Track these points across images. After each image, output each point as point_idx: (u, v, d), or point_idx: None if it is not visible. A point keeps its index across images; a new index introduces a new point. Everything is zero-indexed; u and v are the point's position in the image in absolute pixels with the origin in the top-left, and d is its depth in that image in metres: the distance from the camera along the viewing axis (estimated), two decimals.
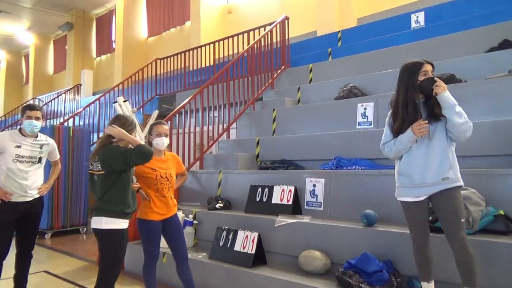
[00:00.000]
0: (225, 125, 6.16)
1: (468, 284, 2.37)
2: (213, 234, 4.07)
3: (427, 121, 2.42)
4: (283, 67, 7.15)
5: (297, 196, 4.04)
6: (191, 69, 9.14)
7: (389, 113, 2.73)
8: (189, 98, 5.79)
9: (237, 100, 6.45)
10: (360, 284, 2.83)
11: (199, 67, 8.88)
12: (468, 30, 5.39)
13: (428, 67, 2.49)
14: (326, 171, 4.12)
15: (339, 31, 7.66)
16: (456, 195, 2.42)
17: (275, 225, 3.75)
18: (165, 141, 3.20)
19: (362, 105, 4.88)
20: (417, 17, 6.54)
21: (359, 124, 4.88)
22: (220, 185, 4.93)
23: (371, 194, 3.63)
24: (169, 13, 13.55)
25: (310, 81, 6.66)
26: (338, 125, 5.00)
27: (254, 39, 6.91)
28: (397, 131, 2.58)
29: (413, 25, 6.57)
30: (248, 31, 7.26)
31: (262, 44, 6.77)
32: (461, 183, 2.45)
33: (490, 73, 4.34)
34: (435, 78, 2.44)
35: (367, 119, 4.82)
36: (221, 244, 3.90)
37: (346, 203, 3.78)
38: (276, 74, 6.99)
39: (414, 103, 2.52)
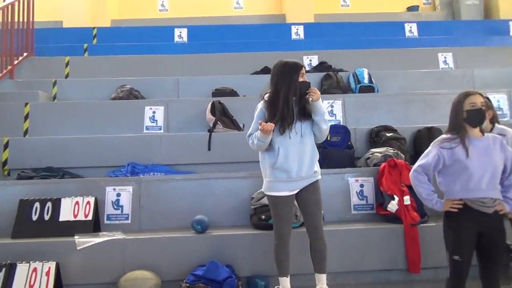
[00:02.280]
0: None
1: (321, 270, 2.61)
2: None
3: (272, 124, 2.50)
4: (25, 54, 5.68)
5: (97, 209, 3.26)
6: None
7: (259, 105, 2.70)
8: None
9: None
10: None
11: None
12: (230, 53, 6.07)
13: (304, 70, 2.64)
14: (136, 177, 3.54)
15: (94, 28, 6.88)
16: (319, 187, 2.65)
17: (78, 248, 2.86)
18: None
19: (151, 109, 4.55)
20: (180, 32, 6.80)
21: (146, 128, 4.51)
22: None
23: (192, 200, 3.40)
24: None
25: (67, 76, 5.61)
26: (120, 128, 4.42)
27: None
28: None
29: (176, 39, 6.78)
30: None
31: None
32: (320, 176, 2.70)
33: (259, 92, 5.01)
34: (309, 85, 2.58)
35: (156, 124, 4.52)
36: None
37: (162, 212, 3.37)
38: (17, 61, 5.46)
39: (289, 101, 2.60)
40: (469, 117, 2.32)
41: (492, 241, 2.27)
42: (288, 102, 2.55)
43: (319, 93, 2.58)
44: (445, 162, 2.35)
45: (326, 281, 2.62)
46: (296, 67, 2.59)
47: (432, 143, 2.45)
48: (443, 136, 2.43)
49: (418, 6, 8.50)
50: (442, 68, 5.83)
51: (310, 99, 2.57)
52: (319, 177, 2.66)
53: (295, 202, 2.70)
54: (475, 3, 7.96)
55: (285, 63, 2.62)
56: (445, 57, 5.93)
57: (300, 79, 2.58)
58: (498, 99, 4.67)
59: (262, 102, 2.68)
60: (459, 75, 5.40)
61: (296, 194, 2.63)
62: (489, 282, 2.29)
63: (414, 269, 2.95)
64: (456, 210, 2.31)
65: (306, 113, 2.62)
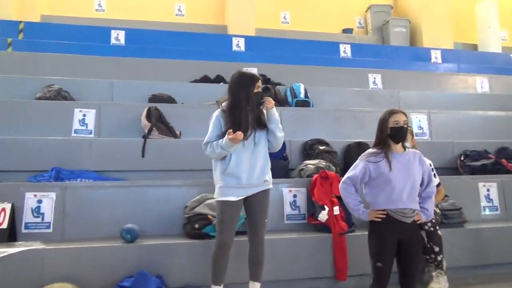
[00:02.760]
0: None
1: (257, 278, 2.64)
2: None
3: (239, 132, 2.52)
4: None
5: (14, 217, 2.98)
6: None
7: (215, 113, 2.71)
8: None
9: None
10: None
11: None
12: (169, 59, 5.97)
13: (260, 83, 2.69)
14: (60, 183, 3.30)
15: (21, 22, 6.39)
16: (269, 196, 2.70)
17: None
18: None
19: (81, 111, 4.30)
20: (118, 34, 6.56)
21: (75, 132, 4.25)
22: None
23: (122, 208, 3.25)
24: None
25: None
26: (45, 130, 4.10)
27: None
28: (225, 133, 2.57)
29: (113, 41, 6.52)
30: None
31: None
32: (272, 186, 2.74)
33: (197, 99, 4.99)
34: (264, 95, 2.67)
35: (87, 127, 4.28)
36: None
37: (89, 221, 3.18)
38: None
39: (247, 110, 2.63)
40: (392, 134, 2.51)
41: (411, 248, 2.45)
42: (245, 112, 2.59)
43: (273, 102, 2.66)
44: (371, 175, 2.51)
45: None
46: (253, 79, 2.66)
47: (360, 156, 2.63)
48: (370, 150, 2.61)
49: (352, 29, 9.06)
50: (371, 88, 6.24)
51: (265, 107, 2.65)
52: (270, 186, 2.72)
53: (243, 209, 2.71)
54: (402, 30, 8.67)
55: (242, 74, 2.69)
56: (374, 78, 6.36)
57: (255, 90, 2.62)
58: (419, 119, 5.10)
59: (218, 110, 2.70)
60: (386, 95, 5.81)
61: (245, 200, 2.64)
62: (407, 287, 2.46)
63: (341, 276, 3.08)
64: (379, 219, 2.47)
65: (260, 123, 2.67)
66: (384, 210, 2.48)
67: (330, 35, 8.50)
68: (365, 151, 3.96)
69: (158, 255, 2.88)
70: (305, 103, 5.14)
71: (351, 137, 4.66)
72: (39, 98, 4.48)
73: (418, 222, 2.53)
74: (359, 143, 4.28)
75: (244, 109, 2.61)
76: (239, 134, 2.49)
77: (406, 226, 2.44)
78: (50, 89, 4.59)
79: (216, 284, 2.59)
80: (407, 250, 2.44)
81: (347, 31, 8.96)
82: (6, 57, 5.39)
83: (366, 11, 9.30)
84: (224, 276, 2.60)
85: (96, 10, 7.93)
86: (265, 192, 2.69)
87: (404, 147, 2.58)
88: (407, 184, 2.46)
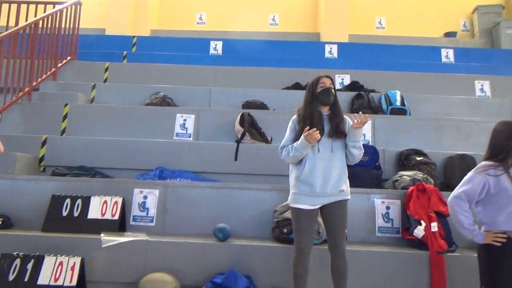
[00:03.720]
0: None
1: None
2: None
3: (315, 129, 2.52)
4: (69, 58, 5.97)
5: (124, 210, 3.34)
6: None
7: (293, 118, 2.77)
8: None
9: (2, 86, 4.83)
10: None
11: None
12: (263, 67, 6.15)
13: (325, 80, 2.67)
14: (163, 181, 3.62)
15: (134, 36, 7.16)
16: (346, 207, 2.64)
17: (103, 245, 2.93)
18: None
19: (182, 116, 4.66)
20: (216, 45, 6.97)
21: (176, 135, 4.61)
22: None
23: (215, 208, 3.43)
24: None
25: (105, 80, 5.84)
26: (151, 133, 4.55)
27: (35, 13, 5.48)
28: (298, 137, 2.62)
29: (212, 51, 6.95)
30: (28, 2, 5.67)
31: (48, 24, 5.43)
32: (350, 196, 2.68)
33: (288, 106, 5.04)
34: (360, 115, 2.56)
35: (187, 131, 4.62)
36: (10, 278, 2.70)
37: (186, 218, 3.42)
38: (60, 64, 5.74)
39: (317, 113, 2.64)
40: None
41: None
42: (312, 114, 2.58)
43: (364, 121, 2.53)
44: (490, 190, 2.24)
45: None
46: (317, 79, 2.66)
47: (474, 169, 2.34)
48: (486, 162, 2.32)
49: (456, 33, 8.36)
50: (478, 96, 5.69)
51: (351, 122, 2.62)
52: (348, 197, 2.65)
53: (320, 218, 2.68)
54: None
55: (309, 82, 2.70)
56: (482, 85, 5.80)
57: (319, 89, 2.62)
58: None
59: (295, 115, 2.73)
60: (496, 103, 5.25)
61: (322, 209, 2.61)
62: None
63: None
64: (499, 244, 2.21)
65: (339, 131, 2.62)
66: (504, 232, 2.22)
67: (430, 40, 7.95)
68: (469, 164, 3.68)
69: (247, 255, 2.98)
70: (401, 111, 4.89)
71: (453, 148, 4.31)
72: (147, 104, 4.97)
73: None
74: (462, 156, 3.94)
75: (310, 112, 2.61)
76: (315, 131, 2.46)
77: None
78: (157, 96, 5.07)
79: None
80: None
81: (450, 34, 8.29)
82: (122, 68, 6.05)
83: (472, 13, 8.51)
84: (305, 284, 2.58)
85: (198, 23, 8.52)
86: (342, 203, 2.61)
87: None
88: None
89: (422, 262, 2.97)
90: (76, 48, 6.19)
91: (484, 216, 2.31)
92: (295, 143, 2.60)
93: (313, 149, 2.59)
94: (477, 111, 5.15)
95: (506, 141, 2.27)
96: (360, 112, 2.59)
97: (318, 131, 2.51)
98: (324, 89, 2.64)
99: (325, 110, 2.70)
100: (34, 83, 5.11)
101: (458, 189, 2.33)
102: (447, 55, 6.99)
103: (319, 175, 2.57)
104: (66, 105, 4.71)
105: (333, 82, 2.72)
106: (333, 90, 2.66)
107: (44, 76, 5.34)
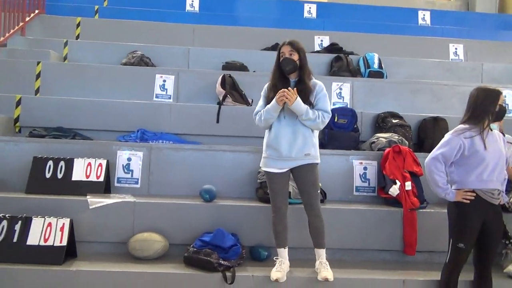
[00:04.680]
0: None
1: (320, 245, 2.74)
2: None
3: (285, 89, 2.56)
4: (37, 11, 5.63)
5: (108, 172, 3.35)
6: None
7: (265, 85, 2.81)
8: None
9: None
10: (220, 261, 2.70)
11: None
12: (241, 26, 6.04)
13: (284, 49, 2.67)
14: (146, 144, 3.62)
15: None
16: (315, 170, 2.72)
17: (90, 207, 2.97)
18: None
19: (161, 77, 4.58)
20: (192, 1, 6.72)
21: (156, 96, 4.56)
22: None
23: (200, 170, 3.49)
24: None
25: (77, 37, 5.59)
26: (130, 94, 4.46)
27: None
28: (269, 102, 2.68)
29: (188, 8, 6.71)
30: None
31: None
32: (319, 160, 2.76)
33: (268, 68, 5.01)
34: (285, 90, 2.55)
35: (166, 92, 4.57)
36: None
37: (170, 179, 3.47)
38: (28, 18, 5.41)
39: (284, 81, 2.68)
40: (500, 112, 2.45)
41: (493, 230, 2.41)
42: (278, 82, 2.65)
43: (290, 96, 2.54)
44: (464, 152, 2.41)
45: (326, 256, 2.76)
46: (278, 48, 2.70)
47: (452, 131, 2.50)
48: (462, 126, 2.48)
49: None
50: (452, 59, 5.86)
51: (322, 87, 2.71)
52: (315, 161, 2.71)
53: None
54: None
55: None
56: (456, 48, 5.95)
57: (281, 58, 2.66)
58: (505, 95, 4.73)
59: (268, 83, 2.78)
60: (468, 67, 5.45)
61: (292, 172, 2.72)
62: (483, 268, 2.44)
63: (410, 251, 3.09)
64: (467, 201, 2.40)
65: (304, 97, 2.63)
66: (473, 190, 2.41)
67: (407, 1, 7.98)
68: (442, 127, 3.87)
69: (233, 215, 3.10)
70: (378, 74, 4.99)
71: (427, 111, 4.49)
72: (125, 64, 4.83)
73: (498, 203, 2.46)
74: (435, 118, 4.12)
75: (279, 78, 2.67)
76: (281, 90, 2.52)
77: (493, 207, 2.39)
78: (134, 55, 4.92)
79: (279, 247, 2.74)
80: (489, 232, 2.41)
81: None
82: (94, 24, 5.79)
83: None
84: (285, 240, 2.74)
85: None
86: (311, 166, 2.68)
87: (491, 128, 2.48)
88: (498, 163, 2.39)
89: (396, 218, 3.18)
90: (44, 1, 5.83)
91: (456, 175, 2.51)
92: (266, 106, 2.67)
93: (279, 116, 2.66)
94: (450, 74, 5.33)
95: (488, 106, 2.42)
96: (283, 89, 2.56)
97: (283, 92, 2.54)
98: (283, 59, 2.65)
99: (292, 77, 2.71)
100: (1, 39, 4.83)
101: (436, 151, 2.50)
102: (424, 17, 7.07)
103: (284, 140, 2.64)
104: (38, 63, 4.51)
105: (294, 48, 2.65)
106: (294, 57, 2.63)
107: (12, 31, 5.06)
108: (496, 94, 2.46)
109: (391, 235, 3.16)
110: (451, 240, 2.47)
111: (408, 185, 3.26)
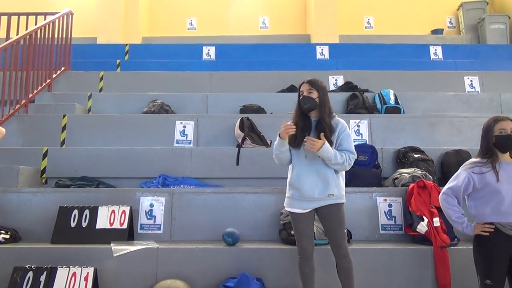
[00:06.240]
0: None
1: None
2: (2, 279, 2.80)
3: (290, 122, 2.63)
4: (63, 68, 5.96)
5: (132, 219, 3.37)
6: None
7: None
8: None
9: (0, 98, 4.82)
10: None
11: None
12: (256, 71, 6.23)
13: (303, 87, 2.72)
14: (168, 189, 3.66)
15: (126, 44, 7.17)
16: (340, 209, 2.67)
17: (114, 255, 2.96)
18: None
19: (181, 123, 4.70)
20: (208, 50, 7.02)
21: (177, 142, 4.65)
22: None
23: (221, 213, 3.48)
24: None
25: (101, 89, 5.85)
26: (151, 141, 4.58)
27: (26, 25, 5.47)
28: (289, 142, 2.70)
29: (204, 56, 6.99)
30: (19, 14, 5.66)
31: (41, 35, 5.42)
32: (344, 200, 2.72)
33: (285, 109, 5.11)
34: (308, 139, 2.57)
35: (187, 138, 4.66)
36: None
37: (192, 224, 3.46)
38: (55, 75, 5.73)
39: (305, 120, 2.70)
40: (498, 143, 2.38)
41: None
42: (298, 123, 2.67)
43: (317, 144, 2.52)
44: (475, 186, 2.40)
45: None
46: (299, 87, 2.73)
47: (462, 166, 2.51)
48: (473, 159, 2.49)
49: (442, 30, 8.56)
50: (468, 91, 5.84)
51: (345, 125, 2.74)
52: (340, 201, 2.66)
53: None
54: (501, 27, 7.97)
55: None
56: (471, 81, 5.95)
57: (301, 96, 2.69)
58: None
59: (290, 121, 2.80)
60: (486, 98, 5.40)
61: (317, 212, 2.69)
62: None
63: None
64: (487, 234, 2.34)
65: (325, 137, 2.62)
66: (491, 223, 2.35)
67: (418, 38, 8.12)
68: (464, 159, 3.79)
69: (257, 258, 3.04)
70: (395, 110, 5.01)
71: (447, 144, 4.44)
72: (146, 112, 5.00)
73: None
74: (458, 151, 4.05)
75: (301, 116, 2.69)
76: (290, 126, 2.56)
77: None
78: (154, 104, 5.10)
79: None
80: None
81: (437, 31, 8.48)
82: (116, 76, 6.08)
83: (457, 9, 8.73)
84: (313, 283, 2.66)
85: (188, 29, 8.57)
86: (335, 206, 2.63)
87: None
88: None
89: (426, 257, 3.06)
90: (70, 58, 6.19)
91: (474, 209, 2.47)
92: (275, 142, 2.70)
93: (300, 156, 2.67)
94: (468, 106, 5.29)
95: (487, 138, 2.42)
96: (307, 137, 2.57)
97: (293, 127, 2.59)
98: (302, 97, 2.69)
99: (313, 116, 2.73)
100: (30, 95, 5.10)
101: (446, 186, 2.52)
102: (436, 52, 7.15)
103: (306, 180, 2.62)
104: (64, 116, 4.71)
105: (314, 86, 2.67)
106: (312, 95, 2.65)
107: (39, 88, 5.34)
108: (489, 125, 2.43)
109: (423, 276, 3.02)
110: (478, 277, 2.39)
111: (436, 221, 3.16)
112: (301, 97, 2.70)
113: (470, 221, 2.47)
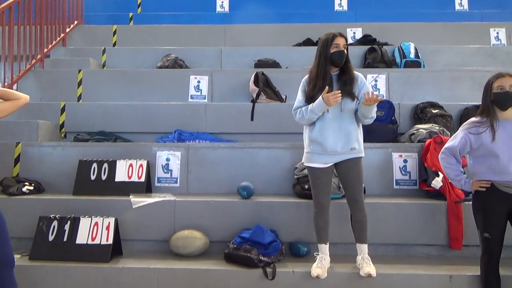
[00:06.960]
0: None
1: (362, 240, 2.69)
2: (28, 227, 2.95)
3: (340, 91, 2.55)
4: (76, 22, 5.90)
5: (149, 172, 3.45)
6: None
7: (303, 79, 2.77)
8: None
9: (15, 54, 4.82)
10: (260, 257, 2.72)
11: None
12: (272, 24, 6.04)
13: (339, 40, 2.62)
14: (184, 144, 3.71)
15: None
16: (359, 164, 2.68)
17: (134, 206, 3.07)
18: None
19: (196, 78, 4.67)
20: (222, 2, 6.79)
21: (191, 97, 4.65)
22: (17, 162, 3.59)
23: (236, 168, 3.53)
24: None
25: (114, 44, 5.80)
26: (166, 96, 4.59)
27: None
28: (309, 97, 2.66)
29: (218, 9, 6.79)
30: None
31: None
32: (363, 154, 2.72)
33: (301, 64, 5.00)
34: (372, 94, 2.49)
35: (201, 93, 4.65)
36: (50, 239, 2.87)
37: (208, 177, 3.53)
38: (69, 29, 5.68)
39: (327, 73, 2.63)
40: (495, 100, 2.34)
41: None
42: (324, 75, 2.58)
43: (375, 98, 2.47)
44: (472, 146, 2.41)
45: (367, 251, 2.70)
46: (331, 38, 2.58)
47: (462, 125, 2.51)
48: (472, 119, 2.49)
49: None
50: (493, 44, 5.58)
51: (363, 80, 2.67)
52: (360, 155, 2.67)
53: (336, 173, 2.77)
54: None
55: (320, 39, 2.66)
56: (497, 33, 5.67)
57: (333, 50, 2.58)
58: None
59: (306, 76, 2.73)
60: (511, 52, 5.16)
61: (336, 167, 2.69)
62: None
63: (456, 245, 2.97)
64: (484, 189, 2.39)
65: (347, 91, 2.59)
66: (488, 180, 2.38)
67: None
68: None
69: (271, 211, 3.11)
70: (415, 64, 4.84)
71: (468, 100, 4.30)
72: (160, 67, 4.96)
73: None
74: (478, 106, 3.90)
75: (321, 72, 2.59)
76: (337, 94, 2.48)
77: None
78: (168, 58, 5.05)
79: (320, 243, 2.71)
80: None
81: None
82: (130, 30, 6.00)
83: None
84: (327, 235, 2.70)
85: None
86: (355, 160, 2.64)
87: None
88: None
89: (440, 211, 3.07)
90: (82, 12, 6.10)
91: (472, 167, 2.51)
92: (310, 105, 2.61)
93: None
94: (493, 60, 5.07)
95: (486, 96, 2.39)
96: (372, 92, 2.52)
97: (340, 94, 2.51)
98: (337, 51, 2.58)
99: (334, 70, 2.66)
100: (45, 50, 5.09)
101: (445, 145, 2.53)
102: (461, 3, 6.76)
103: (329, 134, 2.60)
104: (79, 71, 4.72)
105: (346, 41, 2.63)
106: (345, 51, 2.60)
107: (54, 42, 5.32)
108: (488, 82, 2.38)
109: (436, 229, 3.05)
110: (478, 231, 2.45)
111: None
112: (336, 50, 2.57)
113: (470, 178, 2.50)
